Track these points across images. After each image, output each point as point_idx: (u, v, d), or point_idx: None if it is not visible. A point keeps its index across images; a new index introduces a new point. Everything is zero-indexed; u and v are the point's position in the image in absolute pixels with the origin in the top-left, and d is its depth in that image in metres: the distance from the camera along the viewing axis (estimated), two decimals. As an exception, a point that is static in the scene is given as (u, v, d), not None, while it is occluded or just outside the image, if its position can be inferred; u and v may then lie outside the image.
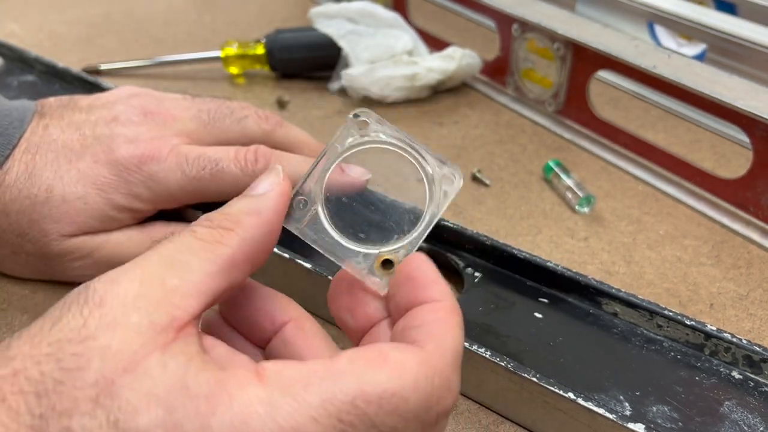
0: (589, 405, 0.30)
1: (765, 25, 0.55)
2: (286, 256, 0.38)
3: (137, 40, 0.73)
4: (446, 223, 0.41)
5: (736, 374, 0.35)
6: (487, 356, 0.33)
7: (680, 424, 0.32)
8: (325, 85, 0.65)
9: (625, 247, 0.46)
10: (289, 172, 0.40)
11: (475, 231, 0.41)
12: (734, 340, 0.35)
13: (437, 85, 0.63)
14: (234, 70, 0.66)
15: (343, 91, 0.63)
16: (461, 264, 0.41)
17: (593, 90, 0.57)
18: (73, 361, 0.21)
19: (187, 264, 0.24)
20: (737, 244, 0.47)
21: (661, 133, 0.60)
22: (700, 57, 0.61)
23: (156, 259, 0.24)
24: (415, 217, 0.28)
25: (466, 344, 0.33)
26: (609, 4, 0.64)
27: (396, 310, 0.27)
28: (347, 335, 0.29)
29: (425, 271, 0.26)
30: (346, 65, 0.62)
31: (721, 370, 0.35)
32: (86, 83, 0.56)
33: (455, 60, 0.62)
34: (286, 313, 0.28)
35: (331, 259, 0.28)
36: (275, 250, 0.38)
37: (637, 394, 0.33)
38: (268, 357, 0.28)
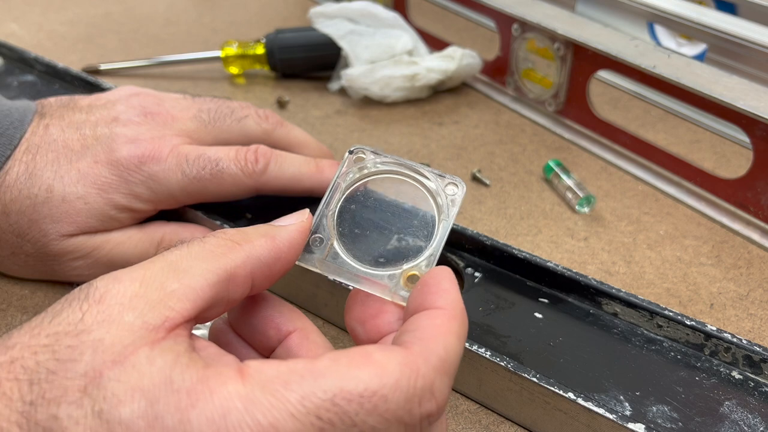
0: (589, 405, 0.30)
1: (765, 25, 0.55)
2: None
3: (137, 40, 0.73)
4: (446, 223, 0.41)
5: (736, 374, 0.35)
6: (487, 356, 0.33)
7: (680, 424, 0.32)
8: (325, 85, 0.65)
9: (625, 247, 0.46)
10: (289, 172, 0.40)
11: (475, 231, 0.41)
12: (734, 340, 0.35)
13: (437, 85, 0.63)
14: (234, 70, 0.66)
15: (343, 91, 0.63)
16: (461, 264, 0.41)
17: (593, 90, 0.57)
18: (67, 353, 0.21)
19: (189, 269, 0.24)
20: (737, 244, 0.47)
21: (661, 133, 0.60)
22: (700, 57, 0.61)
23: (161, 263, 0.25)
24: (428, 231, 0.30)
25: (467, 344, 0.33)
26: (609, 4, 0.64)
27: (406, 318, 0.27)
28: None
29: (439, 280, 0.27)
30: (346, 65, 0.62)
31: (721, 370, 0.35)
32: (86, 83, 0.56)
33: (455, 60, 0.62)
34: (292, 323, 0.28)
35: (357, 287, 0.29)
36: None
37: (637, 394, 0.33)
38: None
